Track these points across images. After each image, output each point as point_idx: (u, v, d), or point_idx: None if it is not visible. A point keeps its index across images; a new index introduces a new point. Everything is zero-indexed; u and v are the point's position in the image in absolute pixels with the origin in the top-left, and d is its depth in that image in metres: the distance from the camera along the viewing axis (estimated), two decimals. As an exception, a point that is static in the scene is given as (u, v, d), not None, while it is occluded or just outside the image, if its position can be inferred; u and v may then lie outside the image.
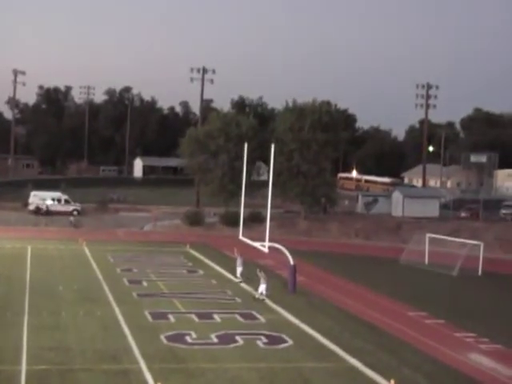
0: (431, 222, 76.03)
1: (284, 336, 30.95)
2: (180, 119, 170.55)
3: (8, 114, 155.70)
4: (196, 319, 33.56)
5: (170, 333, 30.59)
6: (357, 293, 42.86)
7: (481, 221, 78.48)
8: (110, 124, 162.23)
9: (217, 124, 78.37)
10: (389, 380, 24.63)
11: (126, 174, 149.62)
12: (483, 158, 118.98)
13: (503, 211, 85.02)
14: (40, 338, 28.94)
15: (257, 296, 38.77)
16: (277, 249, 41.71)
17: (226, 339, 29.99)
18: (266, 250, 40.74)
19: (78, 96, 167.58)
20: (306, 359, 27.76)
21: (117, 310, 34.76)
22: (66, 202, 80.00)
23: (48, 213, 77.49)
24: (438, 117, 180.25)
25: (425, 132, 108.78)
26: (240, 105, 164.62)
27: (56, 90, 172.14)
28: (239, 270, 44.15)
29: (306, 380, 25.24)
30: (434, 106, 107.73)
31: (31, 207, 78.69)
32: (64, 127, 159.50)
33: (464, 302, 41.76)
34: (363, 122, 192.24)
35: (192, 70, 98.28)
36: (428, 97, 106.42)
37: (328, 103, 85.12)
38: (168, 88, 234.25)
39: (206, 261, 52.75)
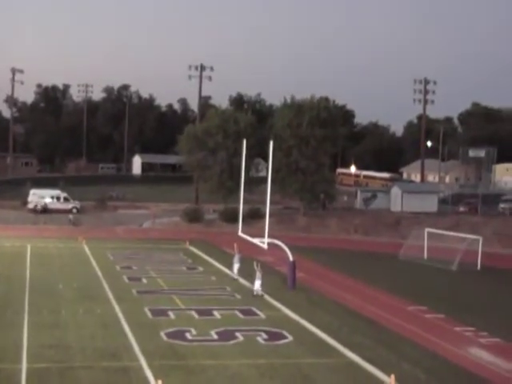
0: (430, 217, 76.05)
1: (284, 332, 30.95)
2: (178, 116, 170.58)
3: (6, 113, 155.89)
4: (196, 316, 33.57)
5: (169, 329, 30.60)
6: (356, 288, 42.88)
7: (479, 215, 78.51)
8: (108, 122, 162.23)
9: (215, 121, 78.35)
10: (388, 375, 24.63)
11: (124, 171, 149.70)
12: (481, 153, 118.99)
13: (502, 205, 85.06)
14: (40, 336, 28.93)
15: (254, 293, 38.77)
16: (276, 245, 41.69)
17: (226, 336, 29.99)
18: (265, 246, 40.75)
19: (76, 94, 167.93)
20: (305, 355, 27.77)
21: (116, 308, 34.77)
22: (66, 199, 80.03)
23: (45, 211, 77.45)
24: (436, 112, 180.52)
25: (423, 127, 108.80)
26: (238, 101, 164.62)
27: (54, 88, 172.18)
28: (236, 266, 44.09)
29: (306, 376, 25.26)
30: (432, 102, 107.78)
31: (30, 205, 78.70)
32: (62, 125, 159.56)
33: (463, 297, 41.80)
34: (361, 118, 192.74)
35: (190, 67, 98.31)
36: (426, 92, 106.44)
37: (326, 99, 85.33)
38: (166, 85, 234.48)
39: (206, 257, 52.76)
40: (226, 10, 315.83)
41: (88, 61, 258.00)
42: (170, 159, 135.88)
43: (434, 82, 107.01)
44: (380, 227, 72.19)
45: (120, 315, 33.18)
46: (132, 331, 30.15)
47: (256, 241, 41.98)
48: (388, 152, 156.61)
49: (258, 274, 39.06)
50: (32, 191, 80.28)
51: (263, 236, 40.62)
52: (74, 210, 77.98)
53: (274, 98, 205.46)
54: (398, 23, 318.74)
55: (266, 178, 43.30)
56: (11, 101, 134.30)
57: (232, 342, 29.21)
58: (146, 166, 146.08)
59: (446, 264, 50.69)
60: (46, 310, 33.76)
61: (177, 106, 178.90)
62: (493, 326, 33.42)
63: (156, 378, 23.53)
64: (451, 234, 55.14)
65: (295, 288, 41.21)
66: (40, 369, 24.90)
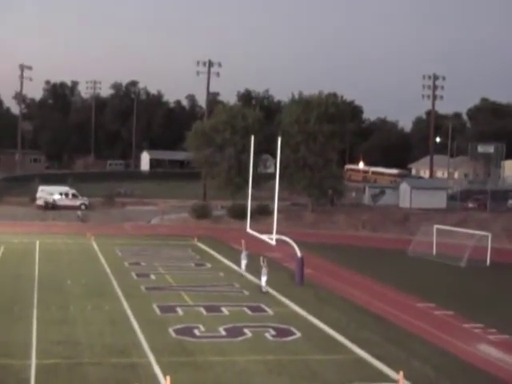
0: (438, 213, 75.89)
1: (292, 328, 30.99)
2: (186, 112, 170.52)
3: (15, 110, 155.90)
4: (204, 312, 33.64)
5: (178, 326, 30.67)
6: (364, 284, 42.86)
7: (488, 211, 78.29)
8: (116, 118, 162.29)
9: (223, 117, 78.33)
10: (397, 372, 24.63)
11: (132, 167, 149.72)
12: (490, 149, 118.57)
13: (511, 201, 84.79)
14: (49, 333, 29.06)
15: (263, 290, 38.83)
16: (284, 241, 41.74)
17: (235, 332, 30.05)
18: (273, 242, 40.79)
19: (84, 91, 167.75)
20: (313, 351, 27.79)
21: (125, 304, 34.87)
22: (74, 196, 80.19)
23: (53, 207, 77.69)
24: (444, 107, 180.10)
25: (432, 123, 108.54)
26: (246, 97, 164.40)
27: (62, 85, 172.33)
28: (244, 262, 44.19)
29: (313, 372, 25.28)
30: (441, 97, 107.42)
31: (39, 202, 78.91)
32: (70, 122, 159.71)
33: (472, 293, 41.73)
34: (370, 114, 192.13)
35: (198, 63, 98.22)
36: (435, 88, 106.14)
37: (334, 95, 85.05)
38: (174, 81, 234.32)
39: (214, 254, 52.83)
40: (234, 5, 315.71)
41: (96, 57, 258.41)
42: (178, 155, 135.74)
43: (443, 78, 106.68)
44: (388, 223, 72.09)
45: (128, 312, 33.29)
46: (140, 328, 30.24)
47: (264, 237, 42.03)
48: (396, 148, 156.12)
49: (264, 270, 39.08)
50: (40, 188, 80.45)
51: (271, 232, 40.67)
52: (83, 207, 78.10)
53: (281, 94, 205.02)
54: (407, 18, 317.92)
55: (274, 175, 43.31)
56: (20, 97, 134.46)
57: (240, 338, 29.26)
58: (154, 163, 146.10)
59: (455, 260, 50.60)
60: (54, 306, 33.90)
61: (185, 103, 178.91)
62: (502, 323, 33.35)
63: (164, 374, 23.60)
64: (460, 230, 55.04)
65: (303, 284, 41.23)
66: (49, 365, 25.01)
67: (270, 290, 38.94)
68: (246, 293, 38.83)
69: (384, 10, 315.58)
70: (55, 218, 71.52)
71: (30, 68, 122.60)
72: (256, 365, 25.73)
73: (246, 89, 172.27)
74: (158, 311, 33.67)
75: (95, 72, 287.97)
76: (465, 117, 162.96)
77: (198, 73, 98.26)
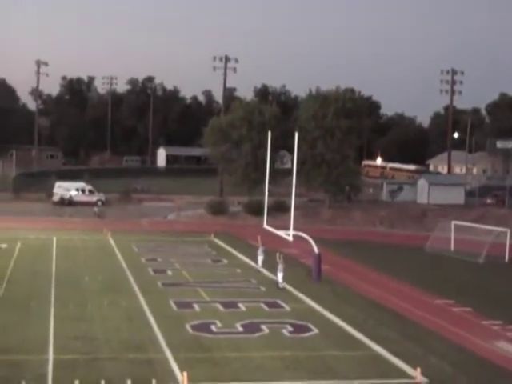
0: (456, 209, 75.64)
1: (309, 324, 31.03)
2: (203, 108, 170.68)
3: (32, 105, 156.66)
4: (221, 308, 33.75)
5: (195, 322, 30.79)
6: (381, 281, 42.83)
7: (507, 207, 77.96)
8: (132, 114, 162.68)
9: (239, 113, 78.33)
10: (415, 368, 24.64)
11: (149, 163, 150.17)
12: (509, 144, 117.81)
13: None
14: (66, 329, 29.24)
15: (280, 286, 38.90)
16: (301, 237, 41.77)
17: (251, 328, 30.13)
18: (290, 238, 40.84)
19: (100, 86, 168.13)
20: (331, 348, 27.83)
21: (142, 300, 35.03)
22: (90, 192, 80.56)
23: (70, 203, 78.08)
24: (463, 103, 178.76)
25: (450, 118, 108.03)
26: (263, 93, 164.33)
27: (79, 80, 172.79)
28: (260, 258, 44.21)
29: (331, 368, 25.31)
30: (460, 92, 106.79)
31: (55, 198, 79.30)
32: (87, 118, 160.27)
33: (490, 290, 41.59)
34: (387, 109, 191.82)
35: (215, 58, 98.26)
36: (453, 83, 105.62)
37: (352, 90, 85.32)
38: (191, 77, 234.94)
39: (231, 250, 52.93)
40: (248, 3, 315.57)
41: (113, 53, 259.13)
42: (195, 151, 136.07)
43: (462, 73, 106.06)
44: (406, 220, 71.91)
45: (145, 307, 33.44)
46: (157, 323, 30.38)
47: (281, 233, 42.10)
48: (414, 143, 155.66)
49: (280, 267, 39.14)
50: (57, 184, 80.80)
51: (288, 228, 40.72)
52: (99, 203, 78.42)
53: (299, 90, 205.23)
54: (426, 12, 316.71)
55: (291, 171, 43.36)
56: (36, 93, 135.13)
57: (257, 334, 29.34)
58: (170, 159, 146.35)
59: (473, 257, 50.43)
60: (71, 302, 34.08)
61: (201, 98, 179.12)
62: (521, 320, 33.26)
63: (181, 370, 23.70)
64: (478, 226, 54.84)
65: (320, 280, 41.26)
66: (66, 360, 25.20)
67: (287, 286, 39.00)
68: (263, 289, 38.91)
69: (402, 3, 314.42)
70: (72, 215, 71.84)
71: (46, 64, 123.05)
72: (273, 361, 25.80)
73: (263, 84, 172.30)
74: (174, 307, 33.79)
75: (111, 68, 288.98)
76: (483, 112, 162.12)
77: (214, 68, 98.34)
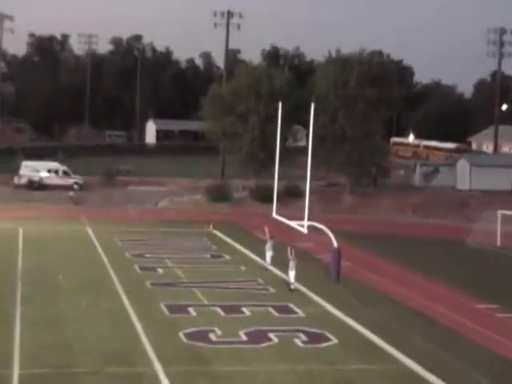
0: (504, 195, 75.52)
1: (326, 333, 31.08)
2: (201, 74, 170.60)
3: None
4: (221, 313, 33.84)
5: (190, 329, 30.87)
6: (413, 281, 42.88)
7: None
8: (116, 80, 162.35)
9: (245, 80, 78.24)
10: (452, 385, 24.74)
11: (136, 140, 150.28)
12: None
13: None
14: (35, 337, 29.26)
15: (292, 287, 38.98)
16: (318, 229, 41.82)
17: (258, 337, 30.20)
18: (304, 230, 40.84)
19: (77, 46, 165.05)
20: (352, 360, 27.88)
21: (126, 303, 35.14)
22: (65, 173, 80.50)
23: (40, 187, 78.03)
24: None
25: (497, 87, 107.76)
26: (273, 56, 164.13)
27: (51, 38, 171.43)
28: (269, 254, 44.19)
29: (352, 385, 25.46)
30: (510, 55, 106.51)
31: (22, 180, 79.14)
32: (61, 84, 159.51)
33: (544, 293, 41.60)
34: (422, 76, 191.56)
35: (215, 13, 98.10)
36: (502, 44, 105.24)
37: (379, 53, 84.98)
38: (186, 36, 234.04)
39: (234, 244, 53.05)
40: None
41: (92, 5, 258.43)
42: (191, 126, 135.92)
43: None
44: (443, 208, 71.89)
45: (131, 312, 33.54)
46: (145, 331, 30.46)
47: (294, 224, 42.12)
48: (454, 117, 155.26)
49: (292, 264, 39.13)
50: (24, 163, 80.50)
51: (302, 218, 40.73)
52: (76, 187, 78.44)
53: (315, 53, 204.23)
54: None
55: (306, 149, 43.31)
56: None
57: (264, 344, 29.41)
58: (161, 134, 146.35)
59: (524, 253, 50.54)
60: (42, 304, 34.20)
61: (199, 62, 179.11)
62: None
63: (174, 386, 23.84)
64: (530, 216, 54.81)
65: (340, 280, 41.32)
66: (35, 375, 25.14)
67: (300, 287, 39.10)
68: (272, 290, 39.01)
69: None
70: (43, 200, 71.88)
71: (11, 18, 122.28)
72: (284, 376, 25.89)
73: (273, 46, 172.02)
74: (166, 311, 33.89)
75: (90, 24, 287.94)
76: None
77: (215, 25, 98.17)
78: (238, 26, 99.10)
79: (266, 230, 45.09)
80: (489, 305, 37.42)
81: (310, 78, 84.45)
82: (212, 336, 30.13)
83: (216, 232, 57.70)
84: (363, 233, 59.88)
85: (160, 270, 43.16)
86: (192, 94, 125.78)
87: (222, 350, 28.36)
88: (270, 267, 43.89)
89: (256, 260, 46.83)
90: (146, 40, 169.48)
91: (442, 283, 42.29)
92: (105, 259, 45.74)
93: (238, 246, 51.99)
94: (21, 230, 54.74)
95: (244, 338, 30.19)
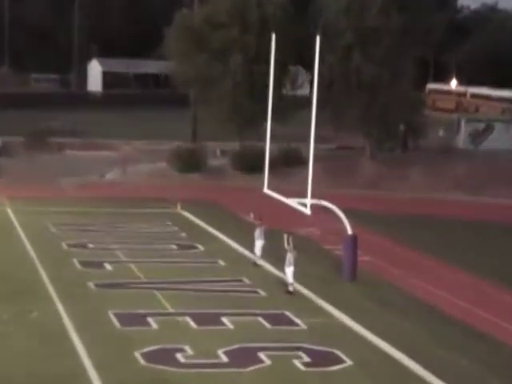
0: None
1: (337, 352, 31.12)
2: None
3: None
4: (193, 325, 33.85)
5: (150, 348, 30.81)
6: (457, 281, 43.07)
7: None
8: (45, 6, 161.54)
9: (225, 3, 77.95)
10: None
11: (74, 86, 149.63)
12: None
13: None
14: None
15: (290, 288, 38.97)
16: (325, 209, 41.81)
17: (243, 358, 30.22)
18: (307, 210, 40.75)
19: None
20: (373, 389, 28.04)
21: (62, 311, 35.07)
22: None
23: None
24: None
25: None
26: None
27: None
28: (259, 244, 44.12)
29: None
30: None
31: None
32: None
33: None
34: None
35: None
36: None
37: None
38: None
39: (210, 229, 53.11)
40: None
41: None
42: (150, 67, 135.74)
43: None
44: (497, 181, 71.92)
45: (68, 323, 33.42)
46: (88, 349, 30.37)
47: (293, 202, 42.01)
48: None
49: (290, 257, 39.08)
50: None
51: (304, 195, 40.62)
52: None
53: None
54: None
55: (308, 99, 43.25)
56: None
57: (252, 367, 29.34)
58: (109, 79, 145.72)
59: None
60: None
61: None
62: None
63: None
64: None
65: (356, 280, 41.44)
66: None
67: (301, 289, 39.20)
68: (263, 293, 39.08)
69: None
70: None
71: None
72: (278, 411, 26.00)
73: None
74: (116, 323, 33.85)
75: None
76: None
77: None
78: None
79: (252, 215, 45.13)
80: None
81: (314, 2, 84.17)
82: (180, 357, 30.06)
83: (185, 213, 57.73)
84: (387, 215, 59.97)
85: (108, 267, 43.15)
86: (152, 23, 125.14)
87: (194, 376, 28.36)
88: (261, 261, 43.94)
89: (241, 252, 46.91)
90: None
91: (496, 283, 42.40)
92: (32, 252, 45.67)
93: (216, 233, 52.05)
94: None
95: (224, 358, 30.17)
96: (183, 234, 51.74)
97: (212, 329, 33.54)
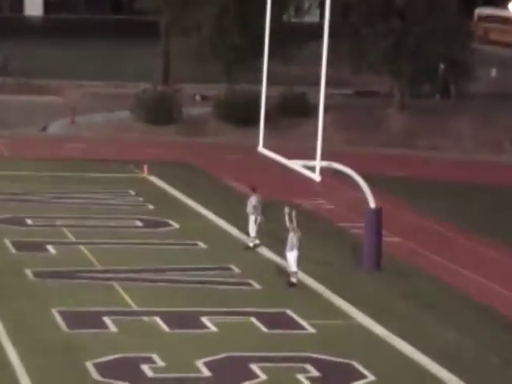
0: None
1: (355, 364, 31.13)
2: None
3: None
4: (164, 327, 33.87)
5: (106, 357, 30.81)
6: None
7: None
8: None
9: None
10: None
11: (8, 10, 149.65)
12: None
13: None
14: None
15: (293, 279, 38.91)
16: (339, 174, 41.76)
17: (230, 371, 30.25)
18: (315, 176, 40.66)
19: None
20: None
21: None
22: None
23: None
24: None
25: None
26: None
27: None
28: (252, 219, 44.01)
29: None
30: None
31: None
32: None
33: None
34: None
35: None
36: None
37: None
38: None
39: (186, 201, 53.09)
40: None
41: None
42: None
43: None
44: None
45: (0, 329, 33.51)
46: (26, 361, 30.36)
47: (296, 165, 41.91)
48: None
49: (292, 237, 39.00)
50: None
51: (312, 155, 40.54)
52: None
53: None
54: None
55: (318, 28, 43.08)
56: None
57: (242, 384, 29.50)
58: (53, 1, 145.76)
59: None
60: None
61: None
62: None
63: None
64: None
65: (379, 268, 41.46)
66: None
67: (308, 280, 39.24)
68: (257, 286, 39.13)
69: None
70: None
71: None
72: None
73: None
74: (63, 325, 33.81)
75: None
76: None
77: None
78: None
79: (237, 185, 45.17)
80: None
81: None
82: (146, 369, 30.05)
83: (154, 179, 57.69)
84: (422, 182, 59.94)
85: (52, 249, 43.14)
86: None
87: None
88: (255, 243, 43.92)
89: (228, 231, 46.93)
90: None
91: None
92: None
93: (195, 206, 52.04)
94: None
95: (206, 372, 30.10)
96: (151, 207, 51.75)
97: (189, 332, 33.58)
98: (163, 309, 35.52)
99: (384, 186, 45.64)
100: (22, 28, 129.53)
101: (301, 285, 38.80)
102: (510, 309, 37.53)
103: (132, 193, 54.63)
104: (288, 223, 39.41)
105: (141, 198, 53.41)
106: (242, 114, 68.41)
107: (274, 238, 42.36)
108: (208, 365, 30.41)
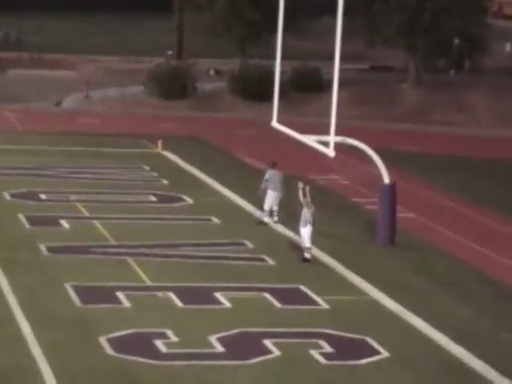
0: None
1: (369, 340, 31.12)
2: None
3: None
4: (178, 303, 33.88)
5: (120, 332, 30.82)
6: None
7: None
8: None
9: None
10: None
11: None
12: None
13: None
14: None
15: (306, 255, 38.83)
16: (353, 149, 41.67)
17: (243, 346, 30.27)
18: (329, 151, 40.60)
19: None
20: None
21: (6, 286, 35.03)
22: None
23: None
24: None
25: None
26: None
27: None
28: (269, 195, 43.90)
29: None
30: None
31: None
32: None
33: None
34: None
35: None
36: None
37: None
38: None
39: (200, 176, 53.05)
40: None
41: None
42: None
43: None
44: None
45: (12, 299, 33.43)
46: (39, 334, 30.32)
47: (310, 140, 41.85)
48: None
49: (306, 213, 38.94)
50: None
51: (326, 130, 40.47)
52: None
53: None
54: None
55: (332, 1, 42.94)
56: None
57: (255, 359, 29.35)
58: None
59: None
60: None
61: None
62: None
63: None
64: None
65: (394, 244, 41.42)
66: None
67: (322, 256, 39.18)
68: (270, 261, 39.11)
69: None
70: None
71: None
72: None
73: None
74: (77, 300, 33.82)
75: None
76: None
77: None
78: None
79: (250, 160, 45.08)
80: None
81: None
82: (160, 345, 30.06)
83: (168, 154, 57.63)
84: (437, 158, 59.83)
85: (66, 224, 43.21)
86: None
87: (178, 371, 28.39)
88: (269, 219, 43.89)
89: (242, 206, 46.87)
90: None
91: None
92: (-37, 204, 45.85)
93: (209, 181, 52.01)
94: None
95: (219, 348, 30.13)
96: (165, 182, 51.73)
97: (203, 308, 33.61)
98: (177, 284, 35.51)
99: (398, 161, 45.57)
100: (35, 2, 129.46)
101: (314, 260, 38.79)
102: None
103: (146, 168, 54.59)
104: (302, 198, 39.37)
105: (155, 173, 53.39)
106: (255, 88, 68.37)
107: (289, 213, 42.25)
108: (221, 340, 30.40)
